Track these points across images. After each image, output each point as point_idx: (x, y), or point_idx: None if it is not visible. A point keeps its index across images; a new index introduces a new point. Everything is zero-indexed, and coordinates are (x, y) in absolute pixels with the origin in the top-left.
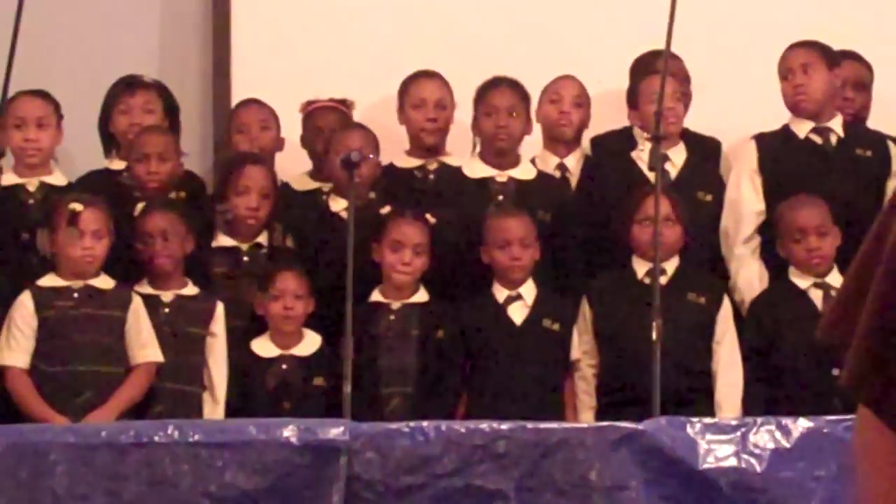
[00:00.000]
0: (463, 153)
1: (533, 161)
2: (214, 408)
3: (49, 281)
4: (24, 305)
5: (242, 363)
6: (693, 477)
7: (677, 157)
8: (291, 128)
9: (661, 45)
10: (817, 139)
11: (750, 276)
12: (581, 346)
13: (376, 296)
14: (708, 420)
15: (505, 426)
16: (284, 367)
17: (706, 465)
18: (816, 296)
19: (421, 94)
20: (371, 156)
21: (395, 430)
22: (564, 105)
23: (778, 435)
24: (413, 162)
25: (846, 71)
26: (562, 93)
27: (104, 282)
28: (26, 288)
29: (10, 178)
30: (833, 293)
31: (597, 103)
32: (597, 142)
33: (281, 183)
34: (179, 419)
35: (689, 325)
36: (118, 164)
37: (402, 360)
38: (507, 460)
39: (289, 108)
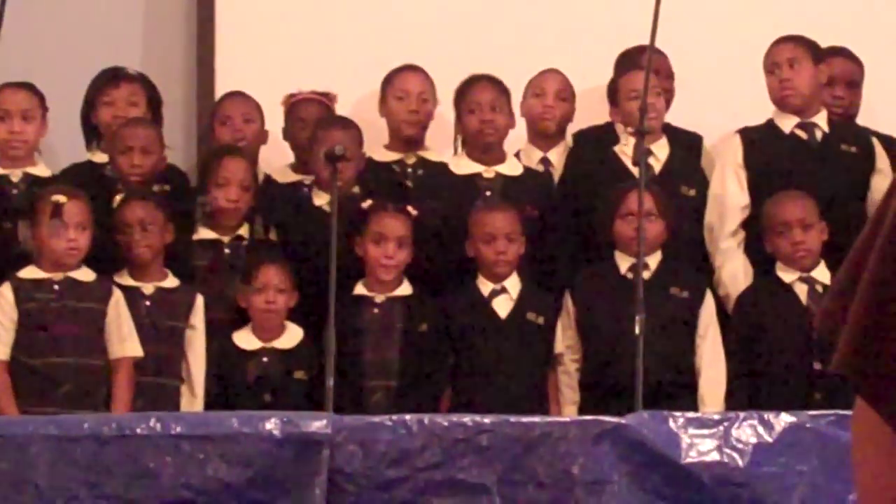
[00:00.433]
0: (441, 149)
1: (517, 155)
2: (192, 401)
3: (29, 273)
4: (4, 297)
5: (224, 355)
6: (675, 471)
7: (660, 151)
8: (274, 120)
9: (647, 40)
10: (802, 134)
11: (735, 271)
12: (565, 340)
13: (360, 289)
14: (690, 414)
15: (487, 420)
16: (265, 359)
17: (688, 460)
18: (802, 290)
19: (404, 86)
20: (352, 153)
21: (378, 423)
22: (548, 99)
23: (760, 429)
24: (392, 156)
25: (836, 68)
26: (545, 87)
27: (85, 274)
28: (6, 280)
29: None
30: (819, 288)
31: (582, 98)
32: (579, 136)
33: (264, 175)
34: (161, 412)
35: (671, 320)
36: (101, 157)
37: (385, 354)
38: (490, 454)
39: (273, 101)
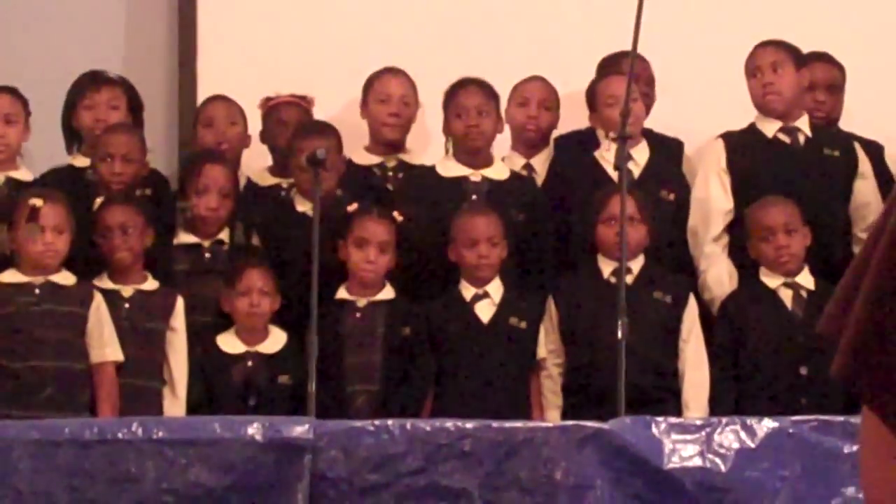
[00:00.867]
0: (422, 152)
1: (502, 161)
2: (174, 403)
3: (10, 276)
4: None
5: (208, 359)
6: (658, 476)
7: (640, 156)
8: (254, 124)
9: (629, 46)
10: (785, 138)
11: (719, 275)
12: (547, 344)
13: (342, 293)
14: (673, 420)
15: (470, 425)
16: (250, 363)
17: (671, 465)
18: (786, 295)
19: (386, 89)
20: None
21: (360, 428)
22: (531, 109)
23: (743, 435)
24: (372, 159)
25: (818, 73)
26: (528, 96)
27: (65, 278)
28: None
29: None
30: (803, 293)
31: (564, 103)
32: (561, 141)
33: (246, 179)
34: (143, 416)
35: (654, 324)
36: (82, 161)
37: (367, 358)
38: (472, 459)
39: (255, 104)
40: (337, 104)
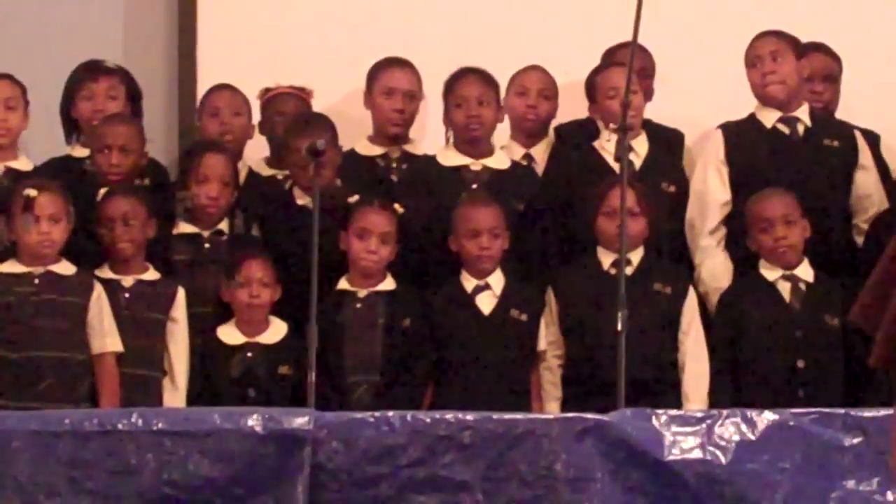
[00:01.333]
0: (424, 140)
1: (501, 150)
2: (174, 393)
3: (9, 267)
4: None
5: (208, 350)
6: (658, 468)
7: (640, 148)
8: (254, 114)
9: (629, 37)
10: (784, 129)
11: (714, 268)
12: (547, 336)
13: (343, 284)
14: (673, 412)
15: (470, 417)
16: (250, 354)
17: (671, 457)
18: (785, 288)
19: (391, 82)
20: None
21: (360, 419)
22: (531, 98)
23: (743, 427)
24: (376, 150)
25: (814, 63)
26: (528, 85)
27: (65, 267)
28: None
29: None
30: (801, 286)
31: (564, 93)
32: (560, 131)
33: (248, 169)
34: (143, 407)
35: (654, 316)
36: (80, 151)
37: (367, 349)
38: (473, 451)
39: (254, 94)
40: (337, 94)
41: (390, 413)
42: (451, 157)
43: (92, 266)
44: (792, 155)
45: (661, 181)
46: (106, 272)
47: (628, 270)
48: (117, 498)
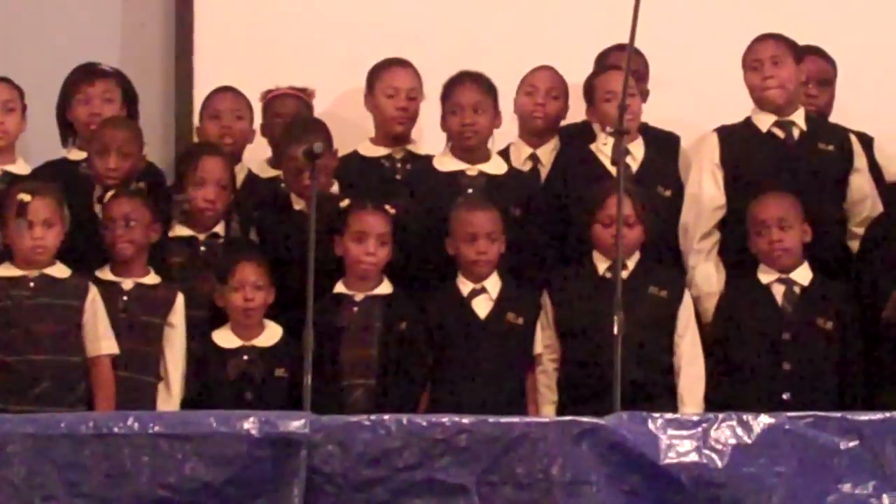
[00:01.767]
0: (427, 141)
1: (507, 149)
2: (168, 400)
3: (4, 270)
4: None
5: (203, 353)
6: (654, 472)
7: (637, 151)
8: (255, 116)
9: (625, 39)
10: (780, 133)
11: (707, 272)
12: (543, 340)
13: (340, 287)
14: (669, 415)
15: (466, 420)
16: (246, 357)
17: (667, 460)
18: (778, 291)
19: (393, 83)
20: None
21: (356, 423)
22: (539, 97)
23: (739, 430)
24: (380, 151)
25: (810, 67)
26: (537, 84)
27: (59, 271)
28: None
29: None
30: (796, 289)
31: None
32: (562, 132)
33: (247, 171)
34: (138, 410)
35: (650, 319)
36: (77, 154)
37: (364, 352)
38: (469, 454)
39: (252, 97)
40: (335, 96)
41: (386, 416)
42: (447, 163)
43: (90, 269)
44: (787, 159)
45: (657, 185)
46: (106, 274)
47: (624, 274)
48: (113, 501)
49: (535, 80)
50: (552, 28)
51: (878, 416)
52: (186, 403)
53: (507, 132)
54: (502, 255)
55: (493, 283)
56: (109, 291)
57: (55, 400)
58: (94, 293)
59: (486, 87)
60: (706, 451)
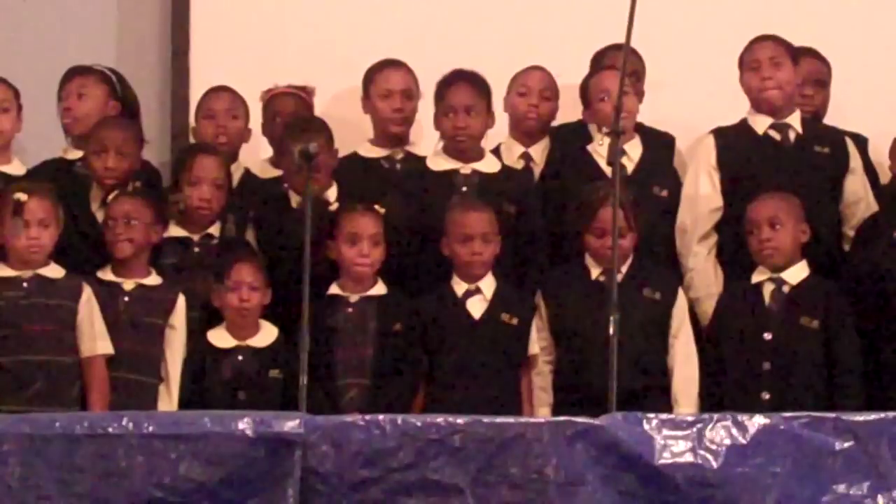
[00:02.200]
0: (426, 142)
1: (498, 148)
2: (169, 401)
3: None
4: None
5: (198, 354)
6: (649, 472)
7: (633, 151)
8: (254, 115)
9: (621, 39)
10: (776, 135)
11: (706, 274)
12: (539, 341)
13: (334, 289)
14: (664, 416)
15: (461, 420)
16: (241, 358)
17: (662, 461)
18: (767, 290)
19: (387, 83)
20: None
21: (351, 423)
22: (532, 98)
23: (734, 431)
24: (379, 151)
25: (805, 68)
26: (530, 85)
27: (54, 271)
28: None
29: None
30: (785, 289)
31: (562, 94)
32: (555, 133)
33: (244, 170)
34: (133, 411)
35: (644, 322)
36: (73, 154)
37: (358, 353)
38: (463, 454)
39: (248, 97)
40: (332, 95)
41: (381, 416)
42: (440, 162)
43: (84, 269)
44: (783, 161)
45: (653, 185)
46: (108, 274)
47: (617, 278)
48: (107, 501)
49: (527, 80)
50: (548, 28)
51: (872, 416)
52: (181, 403)
53: (497, 131)
54: (497, 255)
55: (488, 284)
56: (111, 292)
57: (49, 400)
58: (88, 293)
59: (479, 87)
60: (701, 452)
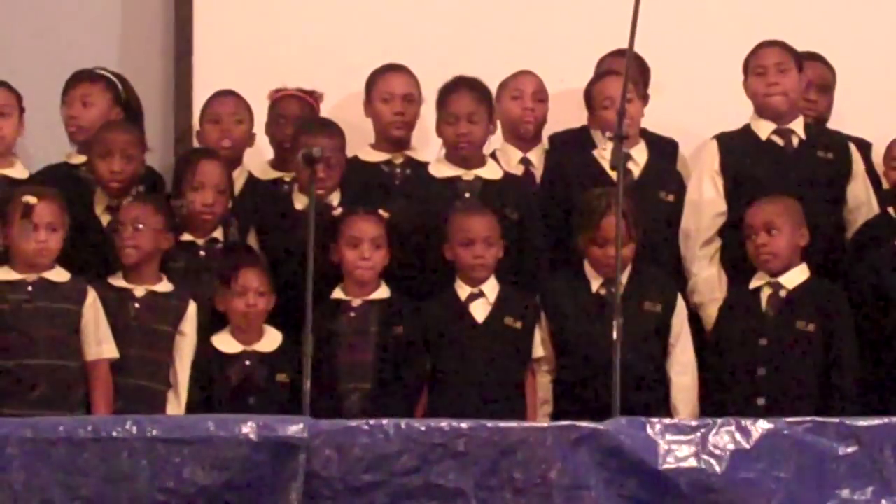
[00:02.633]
0: (427, 147)
1: (494, 155)
2: (178, 408)
3: (3, 274)
4: None
5: (204, 358)
6: (653, 477)
7: (639, 156)
8: (259, 116)
9: (625, 44)
10: (779, 140)
11: (710, 279)
12: (543, 344)
13: (337, 293)
14: (668, 421)
15: (464, 425)
16: (247, 363)
17: (666, 466)
18: (765, 295)
19: (389, 87)
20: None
21: (355, 427)
22: (527, 101)
23: (738, 436)
24: (380, 156)
25: (809, 73)
26: (523, 88)
27: (58, 274)
28: None
29: None
30: (782, 293)
31: (559, 101)
32: (554, 140)
33: (247, 174)
34: (138, 415)
35: (644, 335)
36: (77, 158)
37: (361, 357)
38: (467, 459)
39: (250, 100)
40: (334, 99)
41: (385, 421)
42: (443, 169)
43: (91, 273)
44: (786, 166)
45: (658, 190)
46: (118, 280)
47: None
48: None
49: (520, 84)
50: (552, 34)
51: (876, 421)
52: (190, 409)
53: (492, 138)
54: (500, 259)
55: (491, 288)
56: (121, 298)
57: (53, 404)
58: (93, 297)
59: (481, 94)
60: (705, 457)
